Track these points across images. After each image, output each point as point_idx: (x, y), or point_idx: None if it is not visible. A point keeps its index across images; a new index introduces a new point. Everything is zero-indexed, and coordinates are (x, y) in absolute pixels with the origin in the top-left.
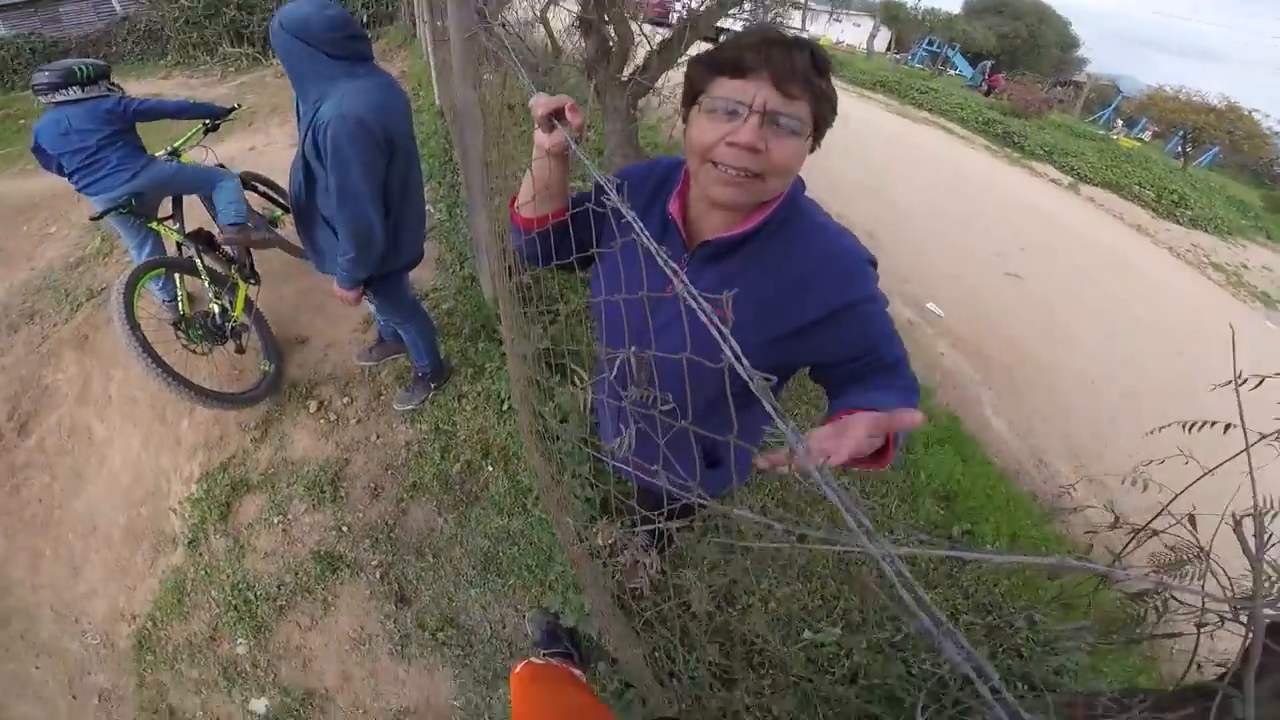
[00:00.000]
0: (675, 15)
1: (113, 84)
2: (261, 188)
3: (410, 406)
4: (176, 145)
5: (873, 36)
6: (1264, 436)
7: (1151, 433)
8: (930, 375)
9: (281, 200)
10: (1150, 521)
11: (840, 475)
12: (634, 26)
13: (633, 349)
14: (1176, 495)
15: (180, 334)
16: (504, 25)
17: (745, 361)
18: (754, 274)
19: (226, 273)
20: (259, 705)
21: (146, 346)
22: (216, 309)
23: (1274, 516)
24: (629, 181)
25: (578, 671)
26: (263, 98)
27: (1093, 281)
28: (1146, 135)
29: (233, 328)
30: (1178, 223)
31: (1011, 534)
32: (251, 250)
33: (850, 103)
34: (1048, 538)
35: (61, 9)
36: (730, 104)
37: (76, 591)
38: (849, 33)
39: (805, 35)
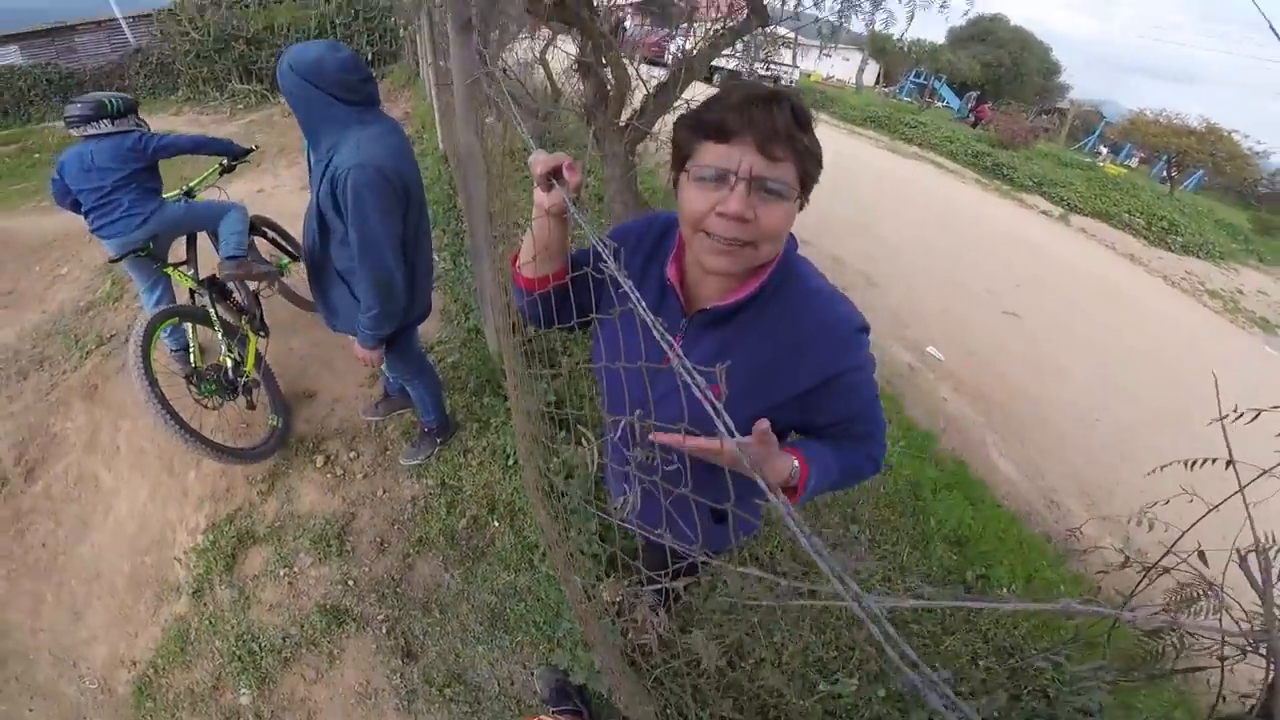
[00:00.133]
0: (670, 55)
1: (139, 119)
2: (271, 234)
3: (416, 461)
4: (191, 185)
5: (861, 70)
6: (1264, 471)
7: (1153, 472)
8: (934, 421)
9: (289, 248)
10: (1158, 561)
11: (850, 525)
12: (631, 69)
13: (637, 413)
14: (1183, 534)
15: (192, 387)
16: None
17: (738, 435)
18: (750, 341)
19: (237, 323)
20: None
21: (164, 402)
22: (229, 363)
23: (1278, 551)
24: (626, 242)
25: None
26: (270, 136)
27: (1088, 315)
28: (1134, 162)
29: (245, 383)
30: (1169, 250)
31: (1027, 576)
32: (261, 301)
33: (840, 139)
34: (1064, 578)
35: (77, 40)
36: (717, 171)
37: (77, 637)
38: (838, 67)
39: (792, 76)
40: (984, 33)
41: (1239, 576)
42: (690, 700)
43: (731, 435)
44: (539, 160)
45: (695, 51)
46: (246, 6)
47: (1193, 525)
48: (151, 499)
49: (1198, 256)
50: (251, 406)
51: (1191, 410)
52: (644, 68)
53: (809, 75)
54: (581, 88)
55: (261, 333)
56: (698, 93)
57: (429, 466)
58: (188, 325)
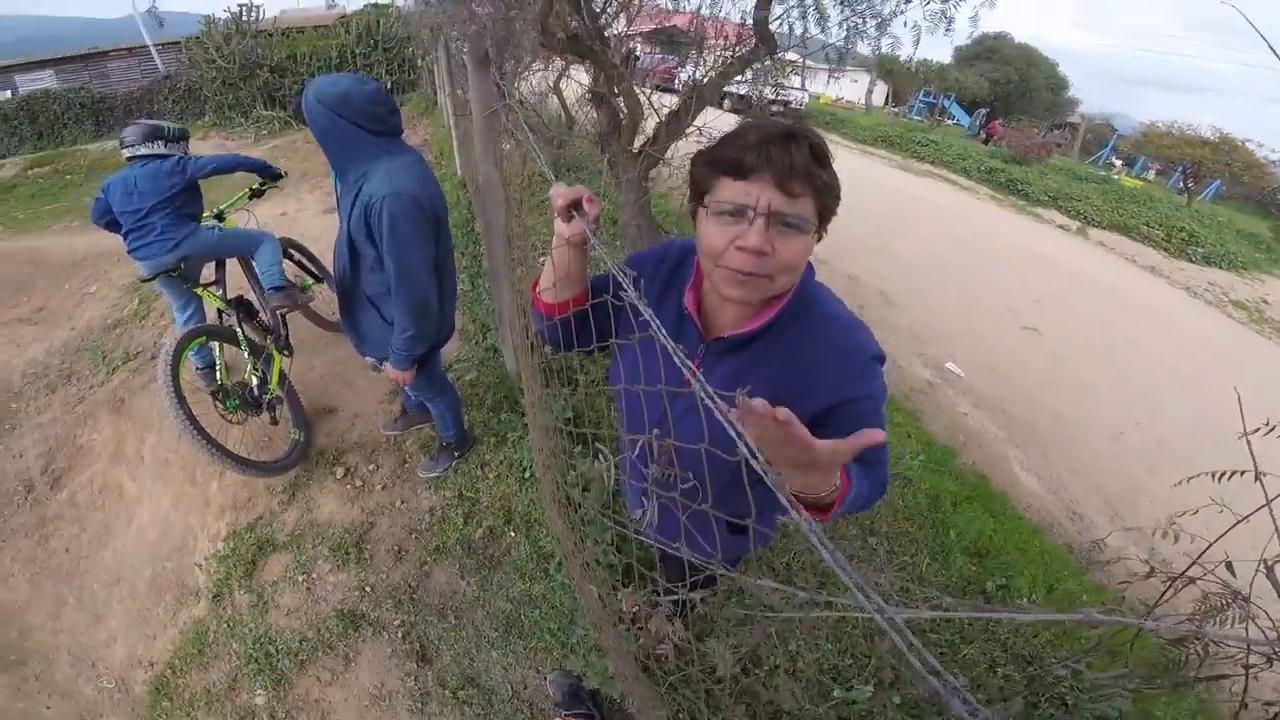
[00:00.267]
0: (679, 82)
1: (187, 149)
2: (297, 255)
3: (435, 474)
4: (222, 208)
5: (870, 92)
6: None
7: (1180, 483)
8: (954, 436)
9: (314, 269)
10: (1185, 571)
11: (868, 537)
12: (643, 98)
13: (654, 432)
14: (1211, 544)
15: (218, 403)
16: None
17: (761, 457)
18: (767, 366)
19: (263, 343)
20: None
21: (192, 418)
22: (254, 380)
23: None
24: (643, 270)
25: None
26: (294, 162)
27: (1110, 329)
28: (1150, 174)
29: (269, 400)
30: (1191, 261)
31: (1048, 586)
32: (287, 321)
33: (852, 160)
34: (1086, 588)
35: (109, 65)
36: (735, 206)
37: (96, 638)
38: (847, 89)
39: (801, 100)
40: (990, 51)
41: (1266, 587)
42: (703, 706)
43: (755, 458)
44: (560, 193)
45: (705, 80)
46: (270, 36)
47: (1221, 536)
48: (174, 507)
49: (1220, 267)
50: (275, 422)
51: (1217, 422)
52: (655, 95)
53: (818, 98)
54: (595, 116)
55: (286, 352)
56: (709, 119)
57: (447, 479)
58: (215, 344)
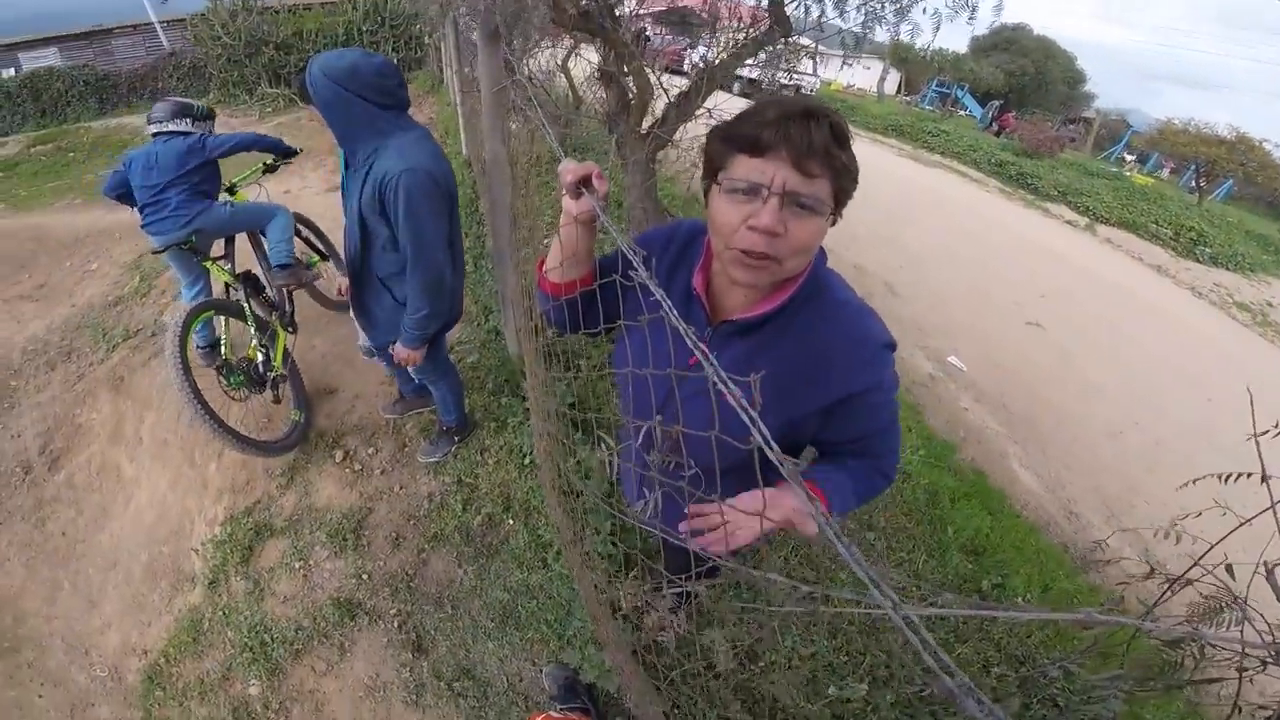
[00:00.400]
0: (689, 64)
1: (211, 129)
2: (305, 232)
3: (434, 459)
4: (234, 182)
5: (883, 79)
6: None
7: (1184, 485)
8: (954, 430)
9: (320, 246)
10: (1184, 573)
11: (866, 532)
12: (653, 78)
13: (658, 418)
14: (1211, 546)
15: (221, 378)
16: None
17: (775, 446)
18: (776, 352)
19: (269, 319)
20: None
21: (196, 391)
22: (259, 357)
23: None
24: (651, 250)
25: None
26: (299, 139)
27: (1114, 326)
28: (1164, 173)
29: (273, 378)
30: (1198, 261)
31: (1044, 586)
32: (293, 298)
33: (862, 148)
34: (1081, 589)
35: (114, 42)
36: (749, 184)
37: (90, 625)
38: (860, 76)
39: (813, 85)
40: (1007, 42)
41: (1263, 591)
42: (700, 699)
43: (768, 445)
44: (569, 169)
45: (717, 61)
46: (276, 13)
47: (1222, 539)
48: (172, 490)
49: (1227, 268)
50: (277, 400)
51: (1219, 423)
52: (665, 76)
53: (830, 84)
54: (604, 95)
55: (291, 329)
56: (719, 101)
57: (446, 464)
58: (220, 319)
